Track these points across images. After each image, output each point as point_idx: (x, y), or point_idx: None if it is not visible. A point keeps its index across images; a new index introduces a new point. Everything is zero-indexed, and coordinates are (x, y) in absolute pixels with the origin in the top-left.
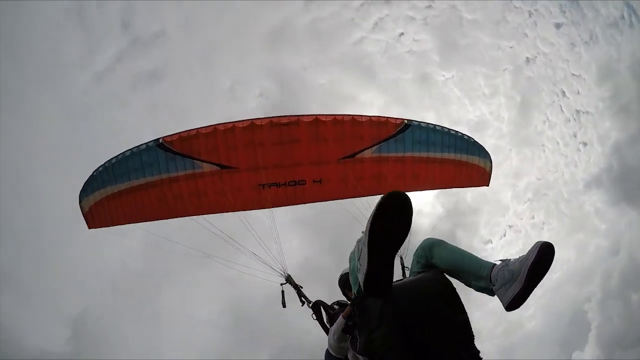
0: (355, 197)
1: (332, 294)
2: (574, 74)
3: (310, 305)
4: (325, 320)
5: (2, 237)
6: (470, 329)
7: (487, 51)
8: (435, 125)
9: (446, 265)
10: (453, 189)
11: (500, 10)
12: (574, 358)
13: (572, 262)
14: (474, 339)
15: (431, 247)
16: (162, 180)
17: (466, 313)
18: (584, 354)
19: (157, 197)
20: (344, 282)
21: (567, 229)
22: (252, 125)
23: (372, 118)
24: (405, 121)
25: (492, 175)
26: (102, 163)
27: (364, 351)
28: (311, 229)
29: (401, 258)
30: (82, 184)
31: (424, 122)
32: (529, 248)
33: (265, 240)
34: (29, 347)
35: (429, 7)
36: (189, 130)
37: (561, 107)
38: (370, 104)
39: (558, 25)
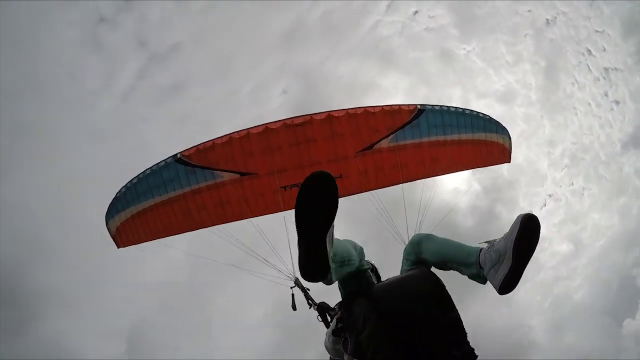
0: (378, 189)
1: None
2: (597, 31)
3: (316, 307)
4: (330, 322)
5: (53, 262)
6: (462, 326)
7: (505, 18)
8: (449, 107)
9: (435, 258)
10: (479, 168)
11: None
12: (624, 326)
13: (616, 227)
14: (466, 336)
15: (419, 243)
16: (185, 194)
17: (456, 310)
18: (635, 321)
19: (182, 211)
20: None
21: (608, 193)
22: (266, 130)
23: (384, 108)
24: (419, 106)
25: (512, 152)
26: (124, 184)
27: (354, 353)
28: (347, 223)
29: None
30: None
31: (437, 105)
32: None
33: (273, 244)
34: None
35: None
36: (205, 142)
37: (588, 67)
38: (395, 88)
39: None
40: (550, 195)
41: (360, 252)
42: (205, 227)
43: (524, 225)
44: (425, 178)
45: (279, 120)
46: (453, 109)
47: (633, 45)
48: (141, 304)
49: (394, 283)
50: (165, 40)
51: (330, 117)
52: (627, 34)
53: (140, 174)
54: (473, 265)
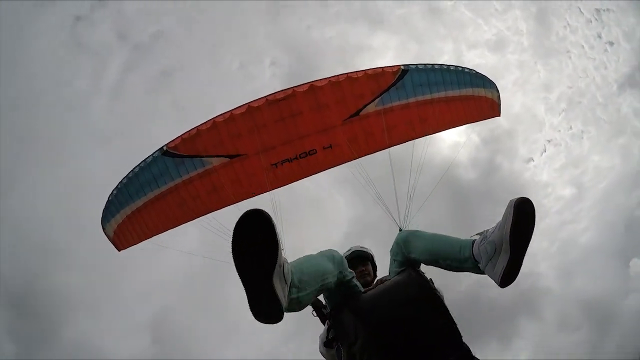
0: (369, 154)
1: (386, 249)
2: None
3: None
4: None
5: (69, 265)
6: (456, 328)
7: None
8: (433, 64)
9: (425, 256)
10: (468, 124)
11: None
12: (631, 266)
13: (618, 168)
14: (461, 338)
15: (405, 242)
16: (177, 185)
17: (449, 312)
18: None
19: (176, 203)
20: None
21: (608, 134)
22: (249, 109)
23: (367, 72)
24: (402, 67)
25: (501, 104)
26: (115, 186)
27: None
28: (353, 188)
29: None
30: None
31: (422, 64)
32: (504, 210)
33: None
34: (119, 357)
35: None
36: (189, 130)
37: (580, 9)
38: (385, 47)
39: None
40: (549, 141)
41: (340, 262)
42: (203, 215)
43: (518, 212)
44: (416, 139)
45: (261, 98)
46: (438, 67)
47: None
48: (160, 294)
49: (382, 292)
50: (145, 29)
51: (313, 88)
52: None
53: (129, 172)
54: (468, 260)
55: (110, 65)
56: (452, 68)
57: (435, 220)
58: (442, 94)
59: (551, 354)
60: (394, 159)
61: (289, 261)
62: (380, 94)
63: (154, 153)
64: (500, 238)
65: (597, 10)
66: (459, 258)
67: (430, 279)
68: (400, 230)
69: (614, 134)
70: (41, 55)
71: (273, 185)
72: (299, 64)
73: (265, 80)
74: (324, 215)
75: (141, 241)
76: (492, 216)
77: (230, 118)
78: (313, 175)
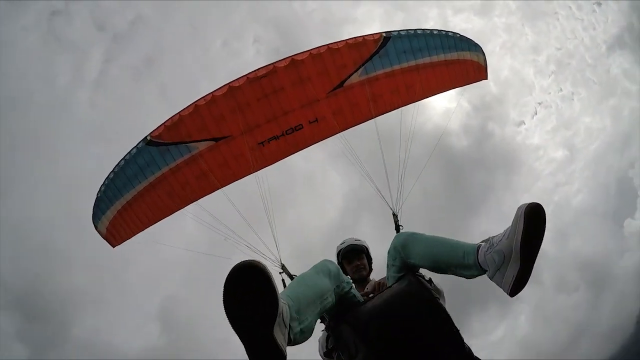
0: (356, 125)
1: (381, 225)
2: None
3: None
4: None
5: (72, 266)
6: (459, 335)
7: None
8: (416, 30)
9: (425, 262)
10: (456, 88)
11: None
12: (625, 226)
13: (608, 130)
14: (463, 342)
15: (404, 246)
16: (164, 174)
17: (450, 319)
18: (635, 220)
19: (166, 192)
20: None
21: (598, 96)
22: (230, 89)
23: (348, 41)
24: (384, 34)
25: (488, 67)
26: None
27: None
28: (345, 162)
29: (395, 215)
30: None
31: (404, 30)
32: (513, 216)
33: (257, 226)
34: (130, 350)
35: None
36: (172, 117)
37: None
38: (370, 18)
39: None
40: (539, 103)
41: (336, 275)
42: (195, 201)
43: (529, 221)
44: (403, 106)
45: (242, 76)
46: (421, 32)
47: None
48: (164, 284)
49: (382, 304)
50: (123, 17)
51: (294, 62)
52: None
53: (115, 166)
54: (472, 267)
55: (92, 58)
56: (435, 32)
57: (429, 192)
58: (426, 60)
59: (550, 315)
60: (383, 130)
61: (284, 288)
62: (363, 64)
63: (138, 144)
64: (509, 247)
65: None
66: (463, 264)
67: (430, 279)
68: (393, 214)
69: (605, 95)
70: (20, 55)
71: (262, 164)
72: (283, 39)
73: (250, 57)
74: (319, 192)
75: (134, 235)
76: (487, 182)
77: (211, 100)
78: (306, 153)
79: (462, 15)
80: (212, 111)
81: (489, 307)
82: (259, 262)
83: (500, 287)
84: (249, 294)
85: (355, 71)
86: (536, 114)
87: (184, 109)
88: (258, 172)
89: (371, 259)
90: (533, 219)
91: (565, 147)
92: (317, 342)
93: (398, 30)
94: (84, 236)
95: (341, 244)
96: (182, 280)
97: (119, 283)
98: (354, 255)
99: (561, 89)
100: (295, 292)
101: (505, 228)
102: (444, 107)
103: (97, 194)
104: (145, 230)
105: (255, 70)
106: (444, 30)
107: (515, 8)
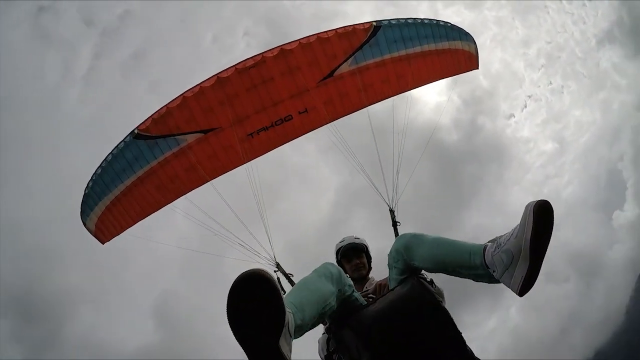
0: (346, 115)
1: (376, 218)
2: None
3: None
4: None
5: (68, 264)
6: (461, 338)
7: None
8: (407, 19)
9: (429, 264)
10: (448, 77)
11: None
12: (614, 218)
13: (598, 123)
14: (465, 344)
15: (407, 248)
16: (153, 168)
17: (453, 323)
18: (624, 212)
19: (155, 186)
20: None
21: (588, 89)
22: (218, 80)
23: (338, 30)
24: (374, 23)
25: (479, 57)
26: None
27: None
28: (337, 155)
29: (392, 212)
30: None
31: (395, 19)
32: (521, 215)
33: (249, 221)
34: (126, 347)
35: None
36: (159, 109)
37: None
38: (360, 12)
39: None
40: (529, 96)
41: (338, 278)
42: (185, 194)
43: (538, 218)
44: (394, 96)
45: (230, 67)
46: (411, 21)
47: None
48: (159, 280)
49: (384, 309)
50: (112, 11)
51: (283, 52)
52: None
53: (103, 162)
54: (479, 268)
55: (81, 54)
56: (426, 22)
57: (420, 187)
58: (417, 49)
59: (540, 306)
60: (376, 124)
61: (284, 293)
62: (353, 53)
63: (125, 138)
64: (517, 246)
65: None
66: (469, 265)
67: (431, 280)
68: (390, 211)
69: (594, 88)
70: (8, 52)
71: (251, 156)
72: (273, 32)
73: (241, 51)
74: (310, 185)
75: (124, 230)
76: (478, 175)
77: (199, 92)
78: (298, 146)
79: (453, 8)
80: (200, 103)
81: (480, 299)
82: (265, 272)
83: (509, 287)
84: (254, 305)
85: (346, 60)
86: (526, 106)
87: (172, 101)
88: (249, 166)
89: (370, 258)
90: (542, 217)
91: (555, 140)
92: (317, 343)
93: (389, 20)
94: (78, 234)
95: (340, 242)
96: (177, 277)
97: (113, 281)
98: (353, 254)
99: (551, 82)
100: (298, 299)
101: (512, 227)
102: (434, 101)
103: (85, 190)
104: (137, 226)
105: (244, 61)
106: (435, 20)
107: (505, 1)
